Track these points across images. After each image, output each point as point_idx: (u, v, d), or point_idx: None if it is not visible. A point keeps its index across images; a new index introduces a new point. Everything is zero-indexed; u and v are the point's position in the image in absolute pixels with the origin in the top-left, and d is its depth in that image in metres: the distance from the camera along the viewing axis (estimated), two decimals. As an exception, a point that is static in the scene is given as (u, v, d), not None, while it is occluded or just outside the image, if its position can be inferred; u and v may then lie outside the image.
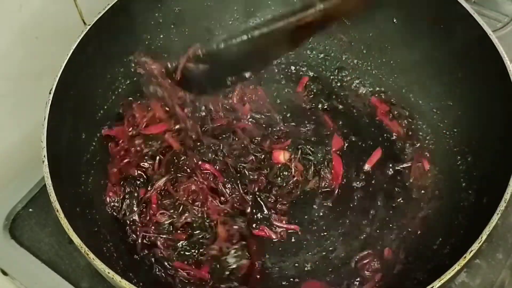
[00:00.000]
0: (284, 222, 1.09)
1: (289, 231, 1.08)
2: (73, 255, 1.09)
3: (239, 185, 1.10)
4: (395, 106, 1.23)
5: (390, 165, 1.16)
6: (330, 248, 1.07)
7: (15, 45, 1.11)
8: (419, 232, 1.06)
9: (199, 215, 1.06)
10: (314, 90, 1.28)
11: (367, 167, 1.16)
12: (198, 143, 1.13)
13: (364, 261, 1.04)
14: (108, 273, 0.81)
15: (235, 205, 1.09)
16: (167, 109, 1.14)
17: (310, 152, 1.14)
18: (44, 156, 0.90)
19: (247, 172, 1.11)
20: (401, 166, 1.16)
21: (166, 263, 1.04)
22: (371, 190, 1.14)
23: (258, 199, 1.11)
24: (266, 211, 1.10)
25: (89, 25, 1.05)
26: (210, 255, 1.03)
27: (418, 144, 1.18)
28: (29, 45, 1.14)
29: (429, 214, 1.08)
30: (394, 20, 1.20)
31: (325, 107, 1.26)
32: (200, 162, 1.11)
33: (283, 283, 1.03)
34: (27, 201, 1.16)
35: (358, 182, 1.14)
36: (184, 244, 1.05)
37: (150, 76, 1.05)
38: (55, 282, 1.06)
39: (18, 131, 1.20)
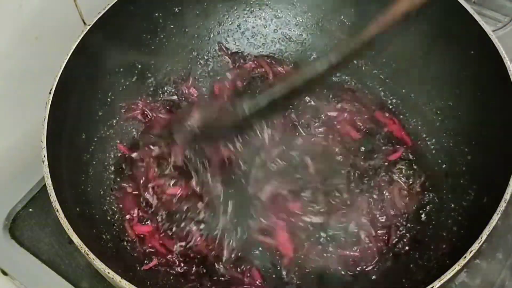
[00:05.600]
0: None
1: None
2: (73, 255, 1.09)
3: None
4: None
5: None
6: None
7: (15, 45, 1.11)
8: (418, 231, 1.07)
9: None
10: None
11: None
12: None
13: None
14: (108, 273, 0.81)
15: None
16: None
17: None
18: (44, 156, 0.90)
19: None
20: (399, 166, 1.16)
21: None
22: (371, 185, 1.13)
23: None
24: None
25: (89, 25, 1.05)
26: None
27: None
28: (29, 45, 1.14)
29: (429, 214, 1.08)
30: (394, 20, 1.19)
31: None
32: None
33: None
34: (27, 201, 1.16)
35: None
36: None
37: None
38: (55, 282, 1.06)
39: (18, 131, 1.20)
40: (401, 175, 1.13)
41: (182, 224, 1.06)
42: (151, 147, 1.16)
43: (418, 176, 1.12)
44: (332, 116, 1.21)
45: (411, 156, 1.15)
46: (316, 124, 1.19)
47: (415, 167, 1.14)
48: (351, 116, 1.22)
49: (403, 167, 1.14)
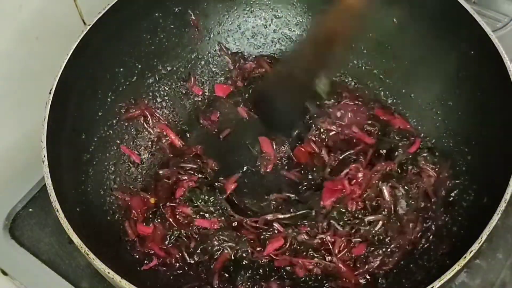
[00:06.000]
0: None
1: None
2: (73, 255, 1.09)
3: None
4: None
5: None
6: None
7: (15, 45, 1.11)
8: (418, 231, 1.07)
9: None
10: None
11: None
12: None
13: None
14: (108, 273, 0.81)
15: None
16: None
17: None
18: (44, 156, 0.90)
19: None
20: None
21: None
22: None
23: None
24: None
25: (89, 25, 1.05)
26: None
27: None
28: (29, 45, 1.14)
29: (429, 214, 1.08)
30: (394, 20, 1.19)
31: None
32: None
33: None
34: (27, 201, 1.16)
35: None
36: None
37: None
38: (55, 282, 1.06)
39: (18, 131, 1.20)
40: (427, 163, 1.10)
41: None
42: (181, 171, 1.13)
43: (444, 160, 1.09)
44: (336, 117, 1.21)
45: (429, 144, 1.13)
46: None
47: (437, 153, 1.11)
48: (359, 122, 1.20)
49: (426, 154, 1.10)
